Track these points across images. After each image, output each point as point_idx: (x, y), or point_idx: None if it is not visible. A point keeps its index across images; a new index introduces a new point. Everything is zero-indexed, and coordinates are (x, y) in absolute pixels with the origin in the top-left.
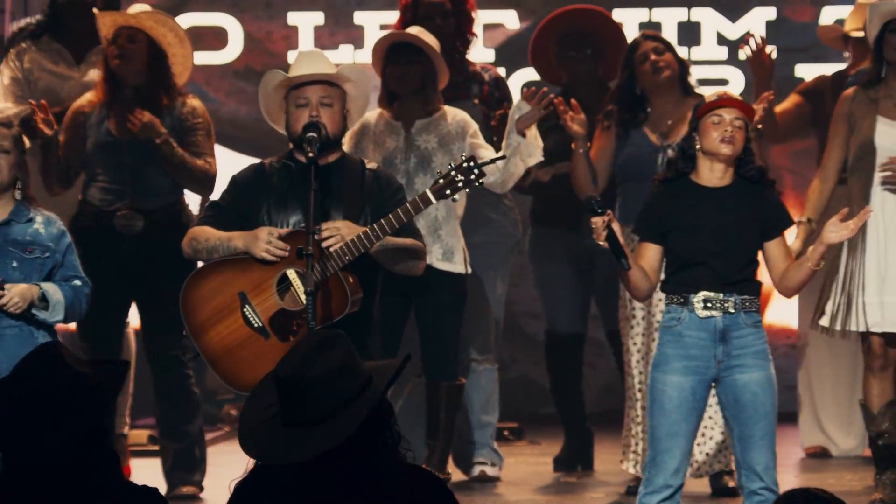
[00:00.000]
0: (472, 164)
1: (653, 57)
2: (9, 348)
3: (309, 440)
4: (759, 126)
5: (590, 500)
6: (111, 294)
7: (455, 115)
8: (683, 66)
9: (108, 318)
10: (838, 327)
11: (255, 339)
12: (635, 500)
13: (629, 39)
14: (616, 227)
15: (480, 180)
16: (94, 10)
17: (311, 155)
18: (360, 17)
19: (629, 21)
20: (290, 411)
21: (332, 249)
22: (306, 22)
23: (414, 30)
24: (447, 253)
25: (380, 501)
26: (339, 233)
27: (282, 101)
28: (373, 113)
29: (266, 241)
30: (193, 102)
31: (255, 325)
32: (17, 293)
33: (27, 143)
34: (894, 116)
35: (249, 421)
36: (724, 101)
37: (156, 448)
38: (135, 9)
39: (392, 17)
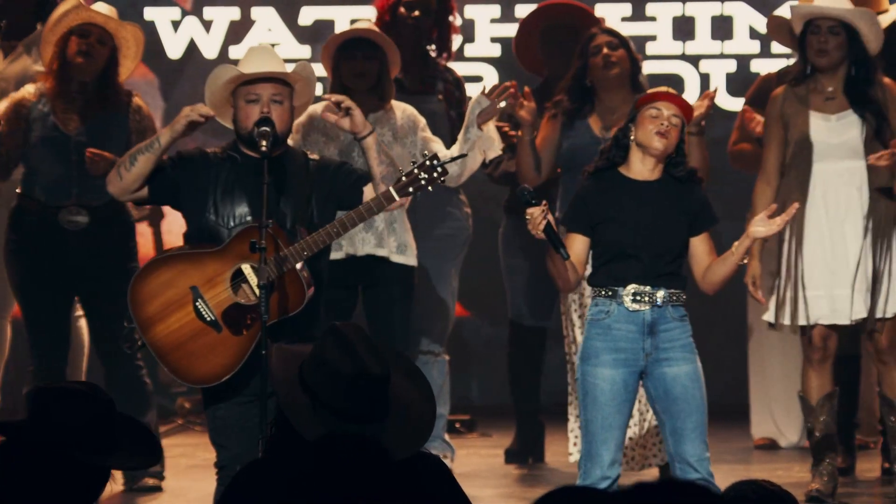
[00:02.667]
0: (435, 162)
1: (605, 51)
2: None
3: (385, 437)
4: (702, 122)
5: (541, 492)
6: (55, 289)
7: (404, 109)
8: (635, 64)
9: (53, 313)
10: (786, 321)
11: (207, 332)
12: None
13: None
14: (551, 218)
15: (443, 178)
16: (81, 1)
17: (263, 149)
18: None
19: (663, 14)
20: (373, 407)
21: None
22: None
23: (364, 24)
24: (401, 246)
25: (381, 481)
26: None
27: (229, 96)
28: (320, 105)
29: (186, 112)
30: (139, 101)
31: (208, 318)
32: None
33: None
34: (825, 110)
35: (307, 419)
36: (664, 96)
37: None
38: (101, 8)
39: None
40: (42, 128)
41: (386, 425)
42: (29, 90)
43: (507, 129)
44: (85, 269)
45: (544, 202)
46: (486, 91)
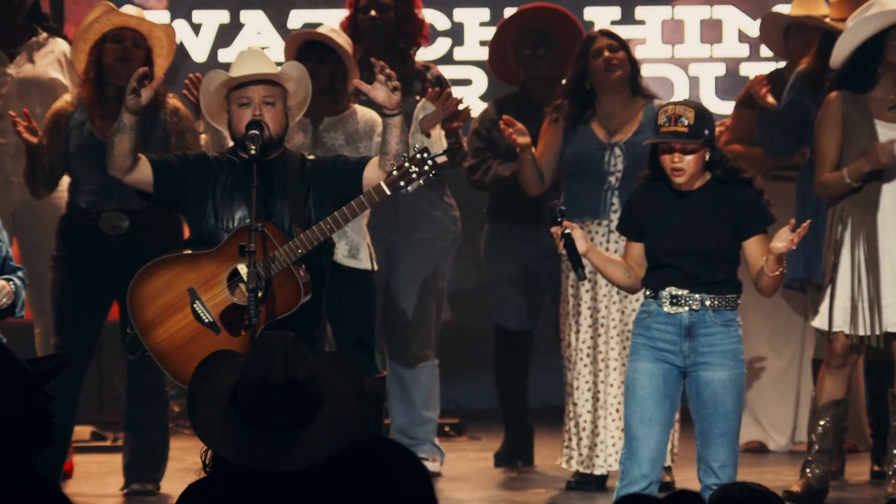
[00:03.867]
0: (425, 155)
1: (606, 54)
2: None
3: (297, 447)
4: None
5: (531, 496)
6: (93, 292)
7: (365, 114)
8: (635, 67)
9: (87, 316)
10: (861, 332)
11: (206, 334)
12: (574, 496)
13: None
14: (578, 234)
15: (434, 172)
16: (109, 4)
17: (252, 153)
18: None
19: (652, 18)
20: (273, 417)
21: None
22: None
23: (325, 28)
24: (353, 249)
25: (343, 476)
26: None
27: (223, 101)
28: None
29: (128, 88)
30: (175, 102)
31: (206, 320)
32: (5, 291)
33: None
34: (889, 119)
35: (203, 419)
36: (665, 140)
37: (98, 444)
38: (130, 10)
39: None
40: (79, 136)
41: (307, 431)
42: (66, 99)
43: (511, 133)
44: (125, 274)
45: (566, 222)
46: (431, 97)
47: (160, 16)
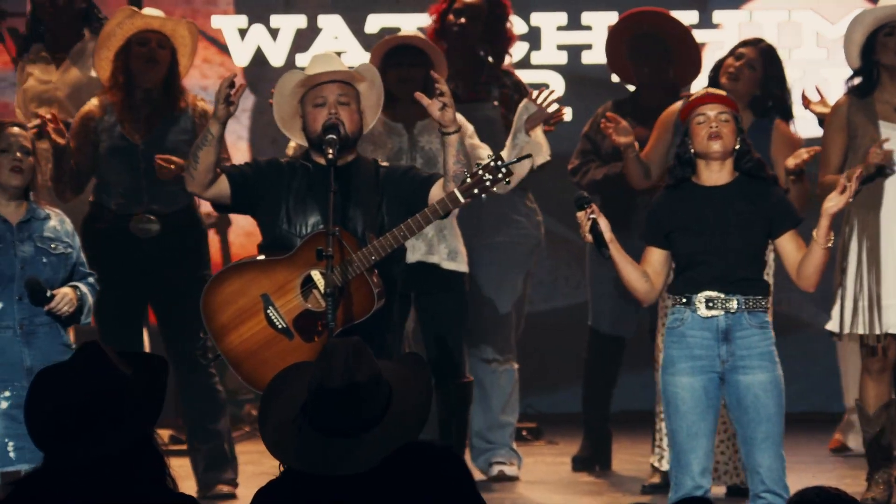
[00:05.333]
0: (499, 162)
1: (739, 63)
2: (42, 346)
3: (357, 451)
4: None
5: (609, 500)
6: (128, 297)
7: (458, 117)
8: (768, 91)
9: (126, 322)
10: (860, 331)
11: (279, 340)
12: (654, 499)
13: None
14: (603, 222)
15: (508, 179)
16: (131, 8)
17: (330, 156)
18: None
19: (729, 21)
20: (334, 421)
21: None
22: None
23: (412, 32)
24: (452, 253)
25: (398, 481)
26: None
27: (297, 106)
28: None
29: (220, 96)
30: (203, 105)
31: (279, 326)
32: (68, 298)
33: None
34: (894, 119)
35: (273, 427)
36: (704, 98)
37: (177, 448)
38: (152, 12)
39: None
40: (110, 138)
41: (370, 434)
42: (94, 103)
43: (612, 132)
44: (157, 277)
45: (592, 205)
46: (534, 96)
47: (233, 21)
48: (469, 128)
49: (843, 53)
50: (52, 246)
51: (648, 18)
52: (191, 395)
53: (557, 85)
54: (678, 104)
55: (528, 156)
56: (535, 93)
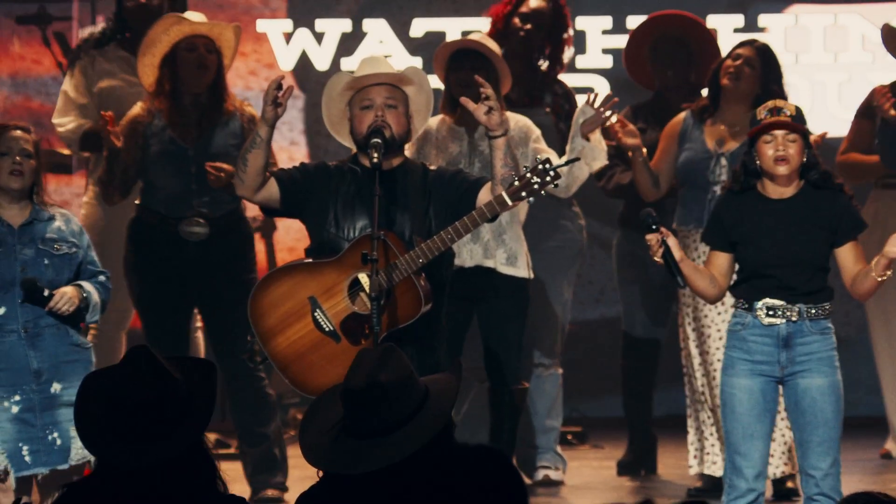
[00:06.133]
0: (547, 166)
1: (739, 63)
2: (49, 347)
3: (376, 451)
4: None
5: None
6: (174, 300)
7: (518, 120)
8: (767, 91)
9: (174, 325)
10: None
11: (326, 342)
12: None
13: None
14: (672, 242)
15: (556, 182)
16: (176, 14)
17: (375, 160)
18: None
19: (775, 25)
20: (358, 422)
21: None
22: None
23: (476, 36)
24: (511, 258)
25: (447, 484)
26: None
27: (345, 108)
28: (435, 119)
29: (267, 98)
30: (251, 110)
31: (327, 329)
32: (68, 297)
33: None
34: None
35: (311, 431)
36: (772, 122)
37: (224, 452)
38: (195, 16)
39: None
40: (160, 142)
41: (397, 435)
42: (141, 107)
43: (620, 135)
44: (204, 281)
45: (663, 229)
46: (591, 101)
47: (280, 24)
48: (535, 131)
49: (889, 57)
50: (56, 247)
51: (672, 21)
52: (240, 398)
53: (602, 89)
54: (682, 115)
55: (577, 159)
56: (591, 96)
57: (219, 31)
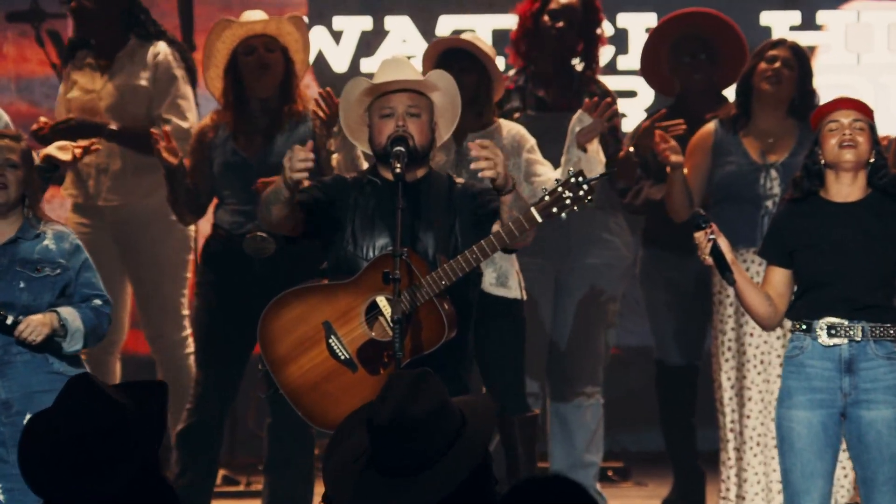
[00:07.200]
0: (580, 178)
1: (777, 65)
2: (20, 377)
3: (407, 492)
4: None
5: None
6: (238, 323)
7: (510, 128)
8: (804, 92)
9: (234, 343)
10: None
11: (342, 372)
12: None
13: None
14: (723, 242)
15: (590, 197)
16: (227, 19)
17: (398, 171)
18: None
19: (835, 22)
20: (388, 459)
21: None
22: None
23: (468, 35)
24: (501, 277)
25: None
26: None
27: (363, 114)
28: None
29: (289, 164)
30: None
31: (342, 357)
32: (35, 325)
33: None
34: None
35: (335, 466)
36: (837, 104)
37: (230, 489)
38: (252, 15)
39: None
40: (223, 154)
41: (429, 474)
42: (209, 118)
43: (661, 148)
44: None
45: (712, 224)
46: (587, 107)
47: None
48: (528, 141)
49: None
50: (37, 269)
51: (695, 19)
52: (281, 428)
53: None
54: (710, 126)
55: (608, 174)
56: (589, 103)
57: (276, 26)
